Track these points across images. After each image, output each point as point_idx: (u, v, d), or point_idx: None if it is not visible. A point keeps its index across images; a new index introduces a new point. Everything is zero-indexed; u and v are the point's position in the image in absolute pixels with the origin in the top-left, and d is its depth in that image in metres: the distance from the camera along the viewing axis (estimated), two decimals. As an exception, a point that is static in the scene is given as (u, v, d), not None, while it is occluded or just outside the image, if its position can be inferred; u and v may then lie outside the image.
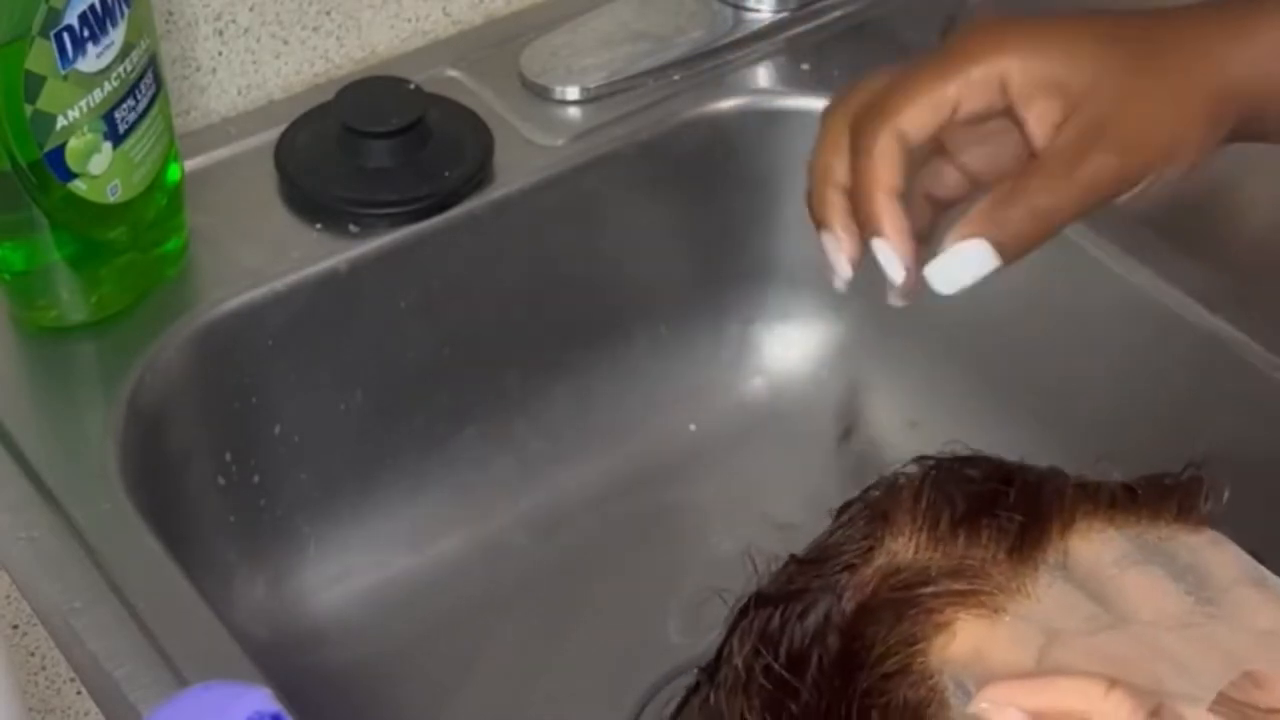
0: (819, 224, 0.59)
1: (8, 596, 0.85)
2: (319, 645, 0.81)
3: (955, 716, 0.45)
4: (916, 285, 0.56)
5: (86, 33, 0.65)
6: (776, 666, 0.49)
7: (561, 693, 0.80)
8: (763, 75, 0.88)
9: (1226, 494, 0.50)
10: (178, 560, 0.64)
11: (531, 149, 0.82)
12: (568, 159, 0.82)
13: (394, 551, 0.84)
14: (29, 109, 0.65)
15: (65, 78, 0.65)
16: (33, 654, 0.89)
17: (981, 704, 0.43)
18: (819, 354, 0.91)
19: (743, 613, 0.52)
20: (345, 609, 0.82)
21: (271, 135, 0.81)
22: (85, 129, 0.67)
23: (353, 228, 0.78)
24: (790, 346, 0.92)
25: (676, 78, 0.86)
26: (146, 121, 0.70)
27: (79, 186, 0.68)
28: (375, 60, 0.87)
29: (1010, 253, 0.54)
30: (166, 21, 0.79)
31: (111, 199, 0.70)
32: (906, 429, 0.87)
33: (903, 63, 0.57)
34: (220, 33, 0.81)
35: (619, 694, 0.80)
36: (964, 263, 0.54)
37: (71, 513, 0.66)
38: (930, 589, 0.47)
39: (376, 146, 0.78)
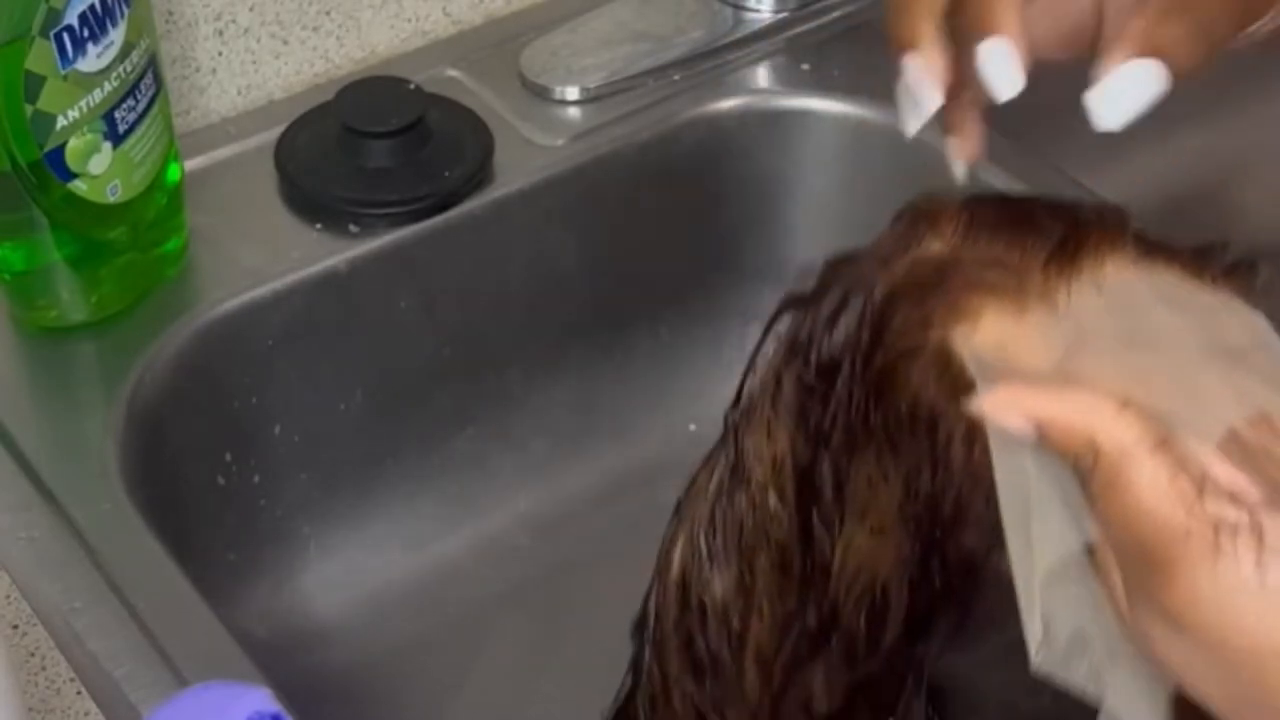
0: (905, 43, 0.54)
1: (8, 596, 0.85)
2: (319, 645, 0.81)
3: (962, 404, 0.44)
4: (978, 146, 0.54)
5: (86, 33, 0.65)
6: (808, 374, 0.48)
7: (561, 693, 0.80)
8: (763, 75, 0.88)
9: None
10: (178, 560, 0.64)
11: (531, 149, 0.82)
12: (568, 159, 0.82)
13: (394, 551, 0.84)
14: (29, 109, 0.65)
15: (65, 78, 0.65)
16: (33, 654, 0.89)
17: (986, 404, 0.42)
18: (819, 354, 0.91)
19: (774, 318, 0.51)
20: (345, 609, 0.82)
21: (271, 135, 0.81)
22: (85, 129, 0.67)
23: (353, 228, 0.78)
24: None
25: (676, 78, 0.86)
26: (146, 121, 0.70)
27: (79, 186, 0.68)
28: (375, 60, 0.87)
29: (1181, 71, 0.49)
30: (166, 21, 0.79)
31: (111, 199, 0.70)
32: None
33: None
34: (220, 33, 0.81)
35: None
36: (1133, 85, 0.49)
37: (71, 513, 0.66)
38: (960, 276, 0.46)
39: (376, 146, 0.78)
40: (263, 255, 0.76)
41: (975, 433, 0.44)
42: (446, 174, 0.79)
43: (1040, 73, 0.96)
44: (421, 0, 0.87)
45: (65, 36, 0.64)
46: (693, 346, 0.90)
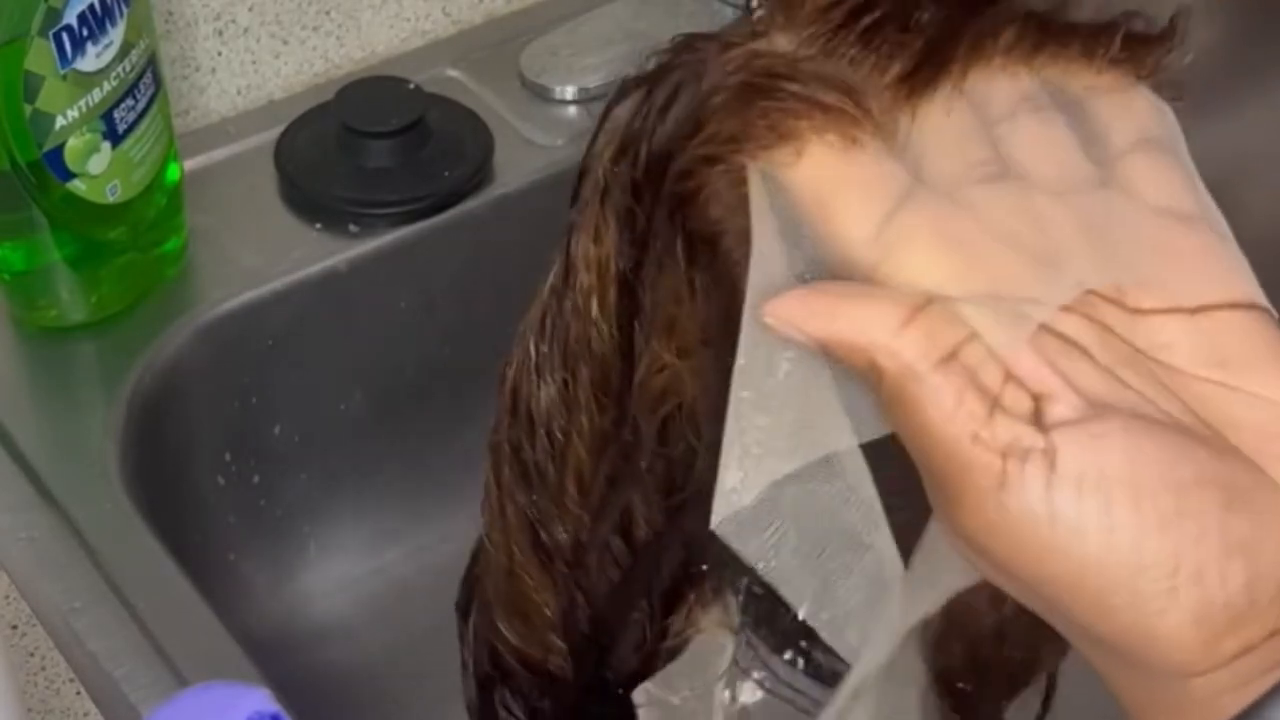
0: None
1: (7, 596, 0.85)
2: (319, 645, 0.81)
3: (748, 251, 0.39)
4: None
5: (85, 32, 0.65)
6: (636, 171, 0.44)
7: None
8: (763, 75, 0.87)
9: (1189, 58, 0.43)
10: (178, 560, 0.64)
11: (531, 149, 0.82)
12: (568, 159, 0.82)
13: (394, 551, 0.84)
14: (28, 109, 0.65)
15: (64, 77, 0.65)
16: (32, 654, 0.89)
17: (766, 318, 0.38)
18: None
19: (612, 101, 0.46)
20: (345, 609, 0.82)
21: (271, 135, 0.81)
22: (84, 129, 0.67)
23: (353, 228, 0.78)
24: (790, 346, 0.91)
25: (676, 77, 0.86)
26: (146, 121, 0.70)
27: (78, 186, 0.68)
28: (375, 60, 0.87)
29: None
30: (166, 21, 0.79)
31: (111, 199, 0.70)
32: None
33: None
34: (220, 32, 0.81)
35: (619, 694, 0.80)
36: None
37: (71, 513, 0.66)
38: (791, 88, 0.39)
39: (376, 146, 0.78)
40: (262, 255, 0.76)
41: None
42: (446, 174, 0.79)
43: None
44: (421, 0, 0.87)
45: (64, 36, 0.64)
46: (693, 346, 0.90)
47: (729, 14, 0.88)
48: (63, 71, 0.65)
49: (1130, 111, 0.42)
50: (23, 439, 0.69)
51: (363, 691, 0.80)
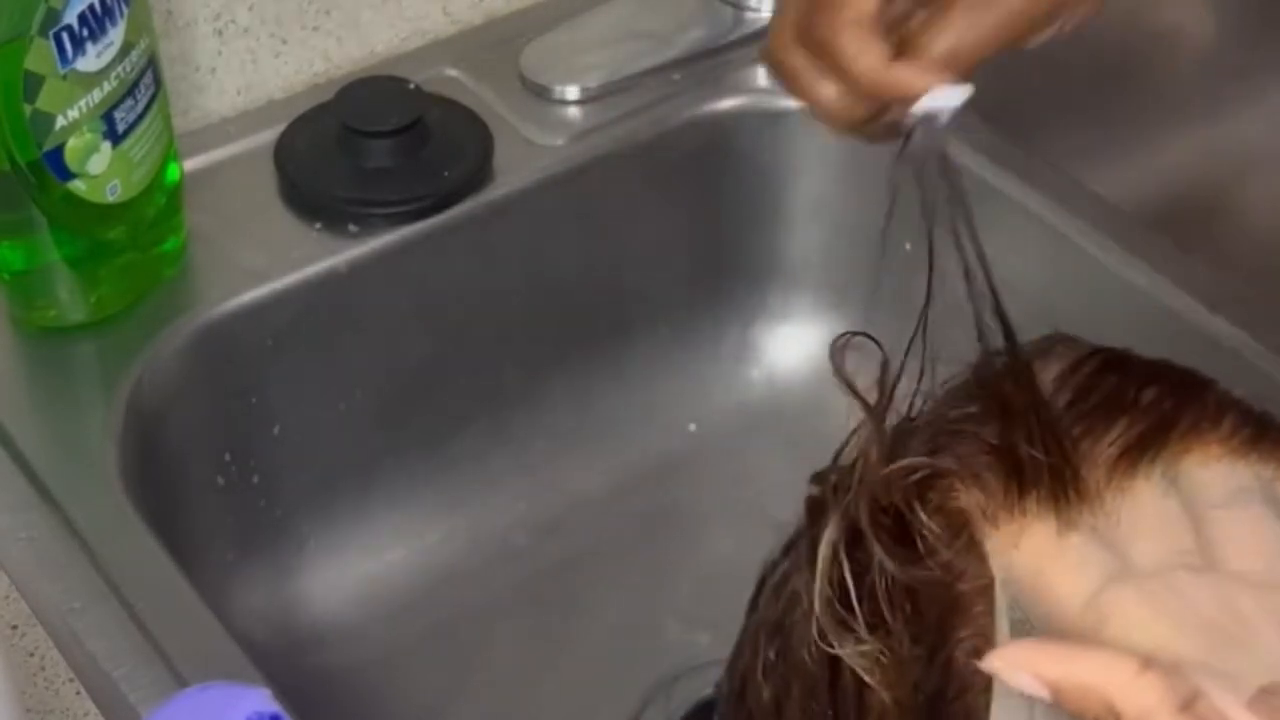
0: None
1: (7, 596, 0.85)
2: (319, 645, 0.81)
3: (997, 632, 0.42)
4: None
5: (86, 32, 0.65)
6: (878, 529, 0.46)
7: (561, 693, 0.80)
8: (763, 75, 0.87)
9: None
10: (177, 560, 0.64)
11: (531, 149, 0.82)
12: (568, 159, 0.82)
13: (393, 551, 0.84)
14: (28, 109, 0.65)
15: (64, 77, 0.65)
16: (32, 654, 0.89)
17: (995, 663, 0.40)
18: (819, 354, 0.91)
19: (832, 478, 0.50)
20: (345, 609, 0.82)
21: (271, 135, 0.81)
22: (84, 129, 0.67)
23: (352, 228, 0.78)
24: (790, 346, 0.92)
25: (676, 78, 0.86)
26: (146, 121, 0.70)
27: (78, 186, 0.68)
28: (375, 60, 0.87)
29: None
30: (166, 21, 0.79)
31: (111, 199, 0.70)
32: (907, 429, 0.86)
33: None
34: (220, 32, 0.81)
35: (618, 694, 0.80)
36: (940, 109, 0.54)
37: (71, 513, 0.66)
38: (1009, 466, 0.43)
39: (376, 146, 0.78)
40: (262, 255, 0.76)
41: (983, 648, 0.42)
42: (446, 174, 0.79)
43: (1041, 72, 0.96)
44: (421, 0, 0.87)
45: (64, 36, 0.64)
46: (693, 346, 0.90)
47: (729, 14, 0.88)
48: (63, 71, 0.65)
49: None
50: (23, 439, 0.69)
51: (363, 691, 0.80)
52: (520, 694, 0.80)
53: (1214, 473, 0.44)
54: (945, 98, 0.55)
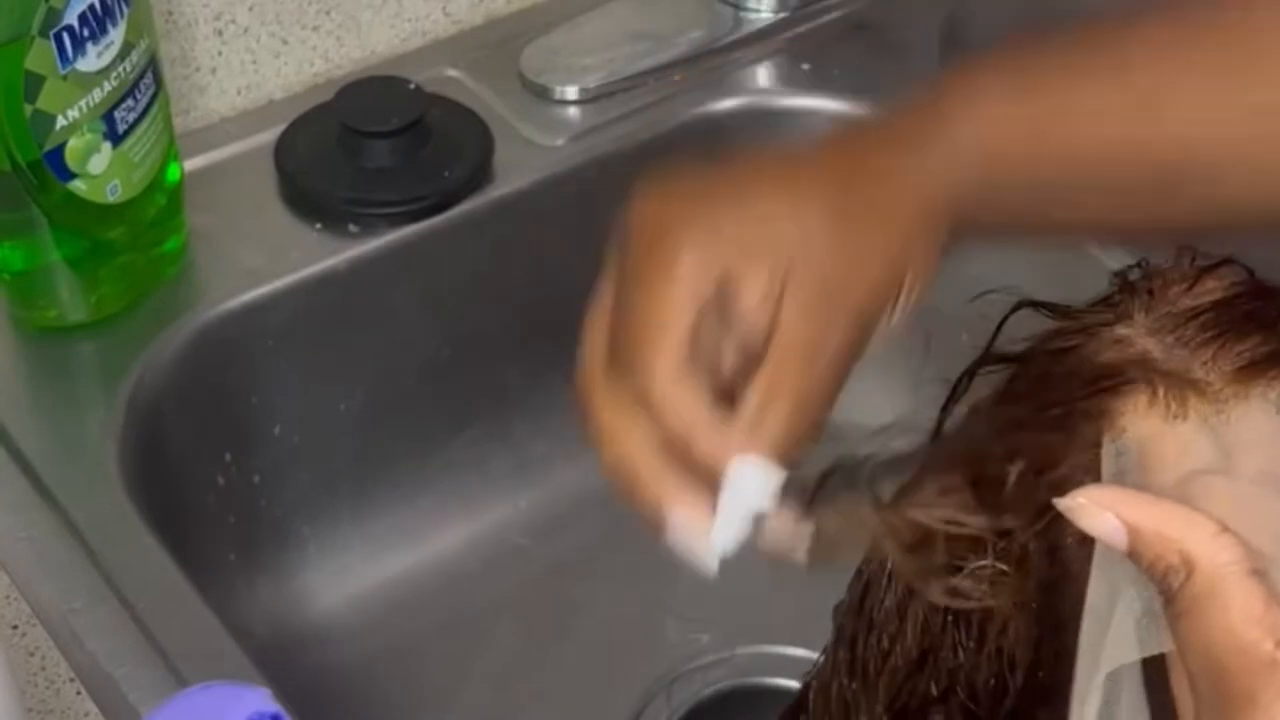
0: (658, 506, 0.52)
1: (7, 596, 0.85)
2: (319, 645, 0.81)
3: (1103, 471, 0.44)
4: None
5: (86, 32, 0.65)
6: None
7: (561, 692, 0.80)
8: (763, 75, 0.88)
9: None
10: (177, 560, 0.64)
11: (531, 149, 0.82)
12: (568, 159, 0.82)
13: (394, 551, 0.84)
14: (29, 109, 0.65)
15: (65, 77, 0.65)
16: (32, 654, 0.89)
17: (1079, 499, 0.41)
18: (819, 354, 0.91)
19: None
20: (345, 609, 0.82)
21: (271, 135, 0.81)
22: (85, 129, 0.67)
23: (353, 228, 0.78)
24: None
25: (676, 78, 0.86)
26: (146, 121, 0.70)
27: (79, 186, 0.68)
28: (375, 60, 0.87)
29: (791, 457, 0.49)
30: (166, 21, 0.79)
31: (111, 199, 0.70)
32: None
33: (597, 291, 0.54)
34: (220, 33, 0.81)
35: (618, 693, 0.80)
36: (747, 491, 0.49)
37: (71, 513, 0.66)
38: (1140, 360, 0.46)
39: (376, 146, 0.78)
40: (262, 255, 0.76)
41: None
42: (446, 174, 0.79)
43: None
44: (421, 0, 0.87)
45: (65, 36, 0.64)
46: (693, 346, 0.90)
47: (729, 14, 0.88)
48: (63, 72, 0.65)
49: None
50: (23, 439, 0.69)
51: (363, 691, 0.80)
52: (520, 693, 0.80)
53: None
54: (756, 476, 0.49)
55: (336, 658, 0.81)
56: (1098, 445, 0.45)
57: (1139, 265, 0.50)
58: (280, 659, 0.76)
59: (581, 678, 0.81)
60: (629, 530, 0.88)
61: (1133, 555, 0.41)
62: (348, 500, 0.82)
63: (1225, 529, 0.40)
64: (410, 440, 0.83)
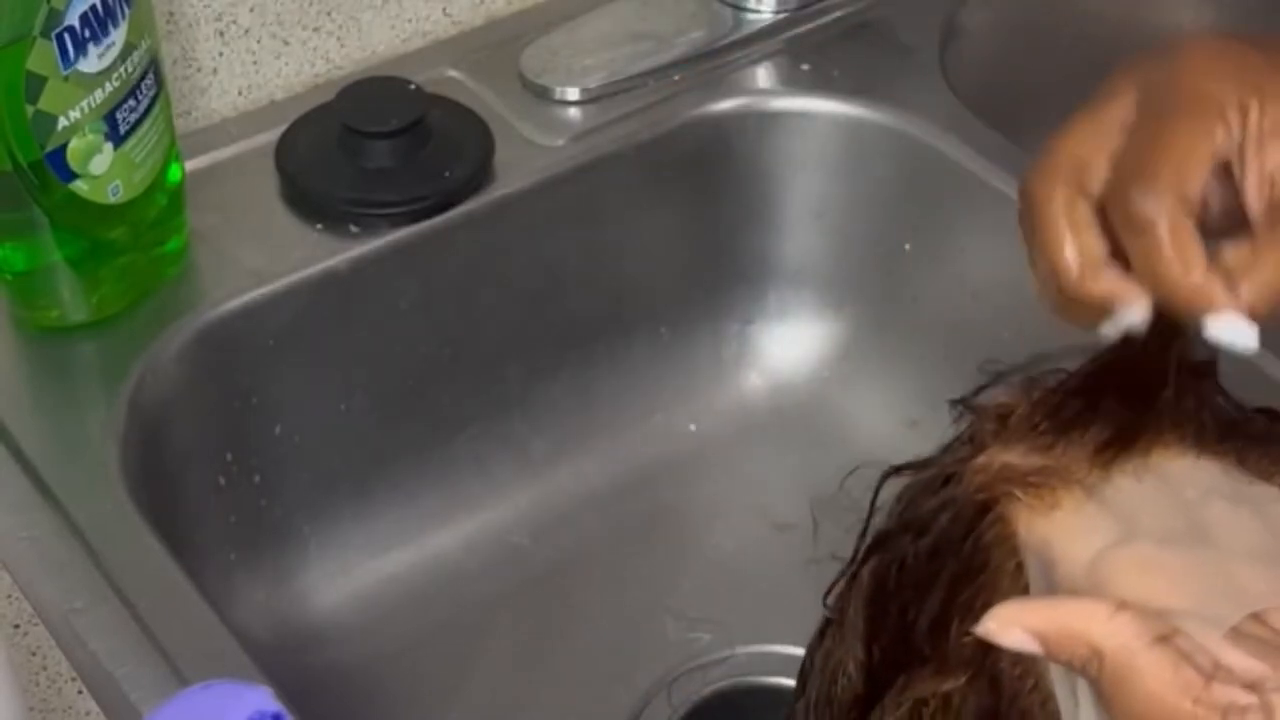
0: (1102, 309, 0.52)
1: (9, 596, 0.85)
2: (319, 645, 0.81)
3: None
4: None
5: (88, 33, 0.65)
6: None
7: (561, 691, 0.80)
8: (763, 75, 0.88)
9: None
10: (178, 560, 0.65)
11: (531, 149, 0.82)
12: (568, 159, 0.82)
13: (394, 551, 0.84)
14: (30, 109, 0.65)
15: (66, 78, 0.65)
16: (34, 653, 0.89)
17: (989, 624, 0.43)
18: (819, 354, 0.91)
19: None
20: (345, 609, 0.82)
21: (272, 135, 0.81)
22: (86, 129, 0.67)
23: (353, 228, 0.78)
24: (790, 346, 0.92)
25: (676, 78, 0.86)
26: (147, 122, 0.70)
27: (80, 187, 0.68)
28: (375, 60, 0.87)
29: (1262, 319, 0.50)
30: (167, 22, 0.79)
31: (112, 199, 0.70)
32: (906, 428, 0.87)
33: (1088, 106, 0.52)
34: (221, 33, 0.81)
35: (618, 692, 0.80)
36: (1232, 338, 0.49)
37: (72, 513, 0.66)
38: (1014, 487, 0.48)
39: (377, 146, 0.78)
40: (263, 255, 0.76)
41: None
42: (446, 174, 0.79)
43: (1041, 71, 0.96)
44: (422, 0, 0.87)
45: (66, 37, 0.64)
46: (693, 346, 0.90)
47: (729, 14, 0.88)
48: (65, 72, 0.65)
49: None
50: (24, 439, 0.69)
51: (363, 691, 0.80)
52: (520, 692, 0.80)
53: (1184, 466, 0.47)
54: (1234, 333, 0.49)
55: (337, 657, 0.81)
56: (1019, 568, 0.47)
57: (976, 393, 0.52)
58: (281, 658, 0.76)
59: (581, 677, 0.81)
60: (629, 530, 0.89)
61: (1051, 658, 0.43)
62: (348, 500, 0.82)
63: (1121, 607, 0.41)
64: (410, 440, 0.83)
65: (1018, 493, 0.47)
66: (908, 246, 0.87)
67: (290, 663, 0.78)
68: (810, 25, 0.90)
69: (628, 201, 0.85)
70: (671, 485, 0.89)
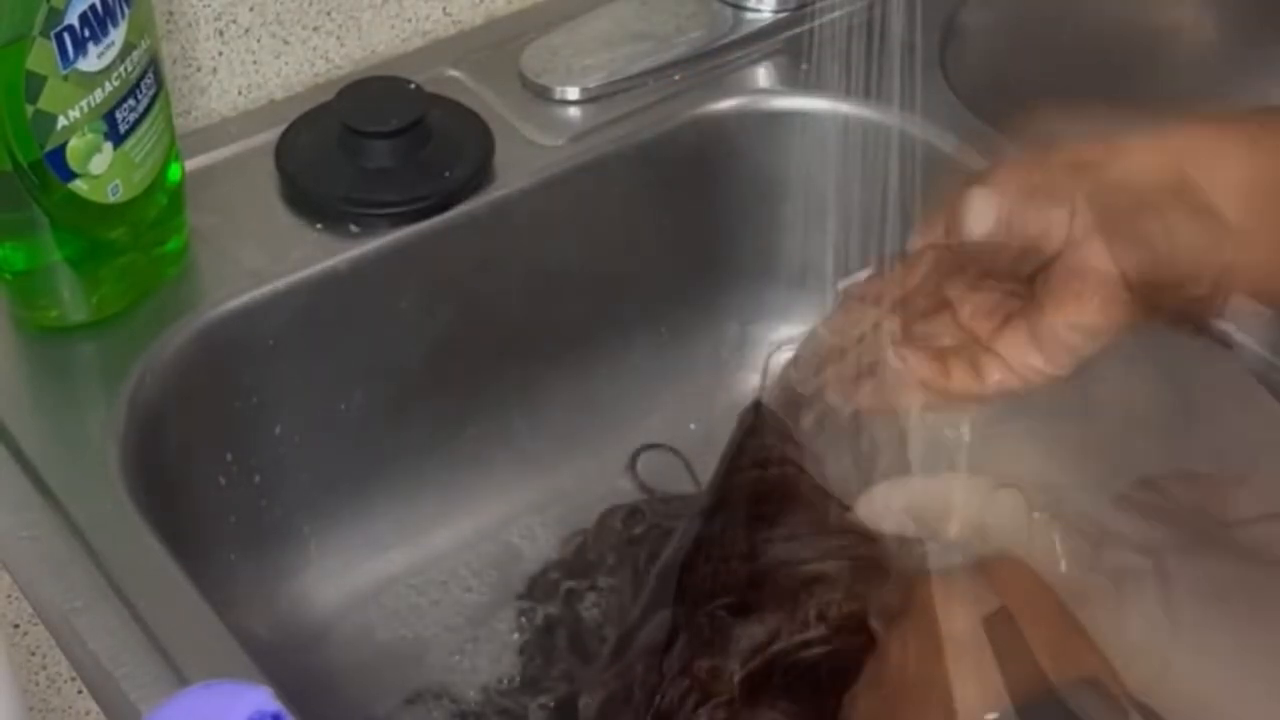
0: None
1: (9, 596, 0.85)
2: (319, 644, 0.81)
3: None
4: None
5: (87, 33, 0.65)
6: None
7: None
8: (763, 75, 0.88)
9: None
10: (178, 560, 0.65)
11: (532, 149, 0.82)
12: (568, 159, 0.82)
13: (394, 551, 0.84)
14: (30, 109, 0.65)
15: (66, 78, 0.65)
16: (33, 653, 0.89)
17: (861, 508, 0.44)
18: (819, 354, 0.91)
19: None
20: (345, 608, 0.82)
21: (272, 135, 0.81)
22: (86, 129, 0.67)
23: (353, 228, 0.78)
24: (790, 346, 0.92)
25: (676, 78, 0.86)
26: (147, 121, 0.70)
27: (80, 186, 0.68)
28: (375, 60, 0.87)
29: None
30: (167, 21, 0.79)
31: (112, 199, 0.70)
32: (906, 429, 0.87)
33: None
34: (221, 33, 0.81)
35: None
36: None
37: (72, 512, 0.66)
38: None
39: (377, 146, 0.78)
40: (263, 255, 0.76)
41: None
42: (447, 174, 0.79)
43: (1041, 70, 0.96)
44: (422, 0, 0.87)
45: (66, 36, 0.64)
46: (693, 346, 0.90)
47: (729, 14, 0.89)
48: (64, 72, 0.65)
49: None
50: (24, 439, 0.69)
51: (363, 691, 0.80)
52: (519, 693, 0.80)
53: None
54: None
55: (336, 657, 0.81)
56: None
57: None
58: (281, 658, 0.76)
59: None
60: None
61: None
62: (348, 500, 0.82)
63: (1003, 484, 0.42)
64: (410, 440, 0.83)
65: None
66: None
67: (290, 663, 0.78)
68: (810, 25, 0.89)
69: (628, 201, 0.85)
70: (671, 485, 0.88)
